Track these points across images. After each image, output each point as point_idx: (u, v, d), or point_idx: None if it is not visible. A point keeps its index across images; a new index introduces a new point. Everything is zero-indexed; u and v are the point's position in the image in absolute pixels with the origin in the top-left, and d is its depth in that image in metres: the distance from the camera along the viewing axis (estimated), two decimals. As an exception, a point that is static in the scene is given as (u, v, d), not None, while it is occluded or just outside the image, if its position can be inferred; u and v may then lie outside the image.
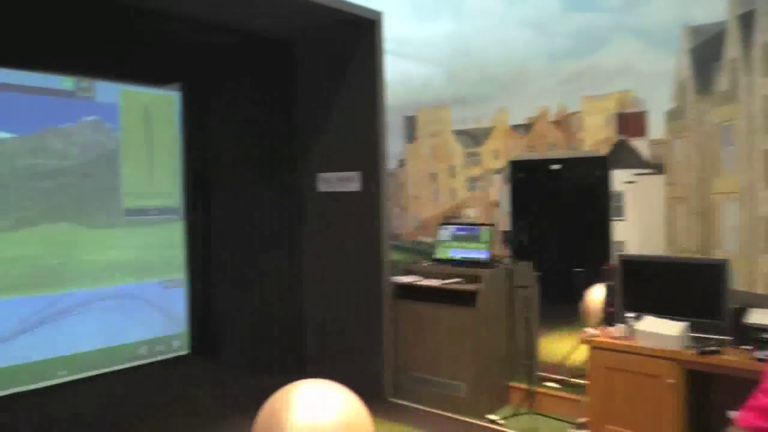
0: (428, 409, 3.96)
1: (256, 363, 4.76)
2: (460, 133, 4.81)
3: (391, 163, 4.59)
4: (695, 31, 3.90)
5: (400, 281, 4.19)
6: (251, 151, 4.93)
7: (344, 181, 4.40)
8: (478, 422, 3.79)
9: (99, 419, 3.97)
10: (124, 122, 4.88)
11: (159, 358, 5.04)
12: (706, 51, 3.85)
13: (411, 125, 4.90)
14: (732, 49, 3.78)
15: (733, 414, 2.95)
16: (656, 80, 4.09)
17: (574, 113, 4.51)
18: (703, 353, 3.09)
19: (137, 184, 4.98)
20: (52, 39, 4.14)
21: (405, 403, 4.07)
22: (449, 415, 3.87)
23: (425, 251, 4.73)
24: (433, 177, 4.83)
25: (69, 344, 4.47)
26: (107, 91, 4.78)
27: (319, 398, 1.02)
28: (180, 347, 5.23)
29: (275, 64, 4.73)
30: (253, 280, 4.87)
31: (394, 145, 4.69)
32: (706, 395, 3.33)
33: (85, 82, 4.63)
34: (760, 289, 3.53)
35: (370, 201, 4.27)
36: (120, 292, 4.81)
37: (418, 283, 4.14)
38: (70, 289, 4.51)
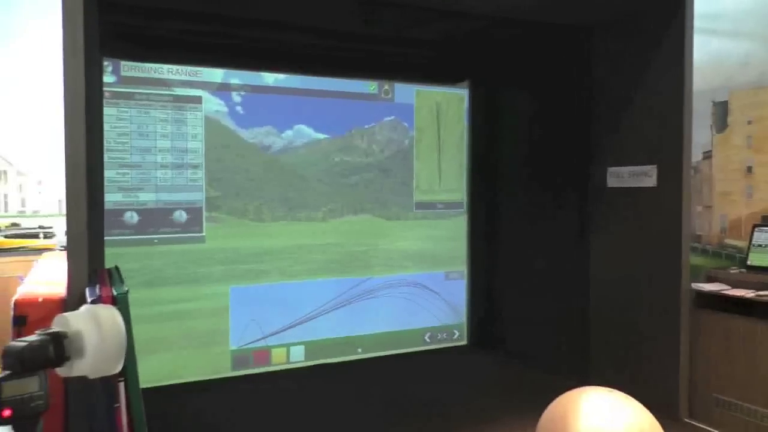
0: (732, 438, 3.50)
1: (535, 360, 4.79)
2: (789, 118, 4.12)
3: (694, 156, 4.17)
4: None
5: (702, 289, 3.79)
6: (538, 146, 4.99)
7: (638, 176, 4.16)
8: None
9: (385, 397, 4.47)
10: (417, 121, 5.42)
11: (440, 345, 5.45)
12: None
13: (722, 111, 4.36)
14: None
15: None
16: None
17: None
18: None
19: (427, 180, 5.48)
20: (358, 46, 4.82)
21: (704, 427, 3.66)
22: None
23: (734, 256, 4.17)
24: (748, 170, 4.24)
25: (366, 325, 5.14)
26: (404, 92, 5.37)
27: (609, 408, 1.02)
28: (459, 337, 5.57)
29: (566, 54, 4.72)
30: (536, 276, 4.92)
31: (699, 134, 4.25)
32: None
33: (387, 85, 5.28)
34: None
35: (668, 198, 3.95)
36: (409, 280, 5.34)
37: (726, 292, 3.68)
38: (369, 276, 5.18)
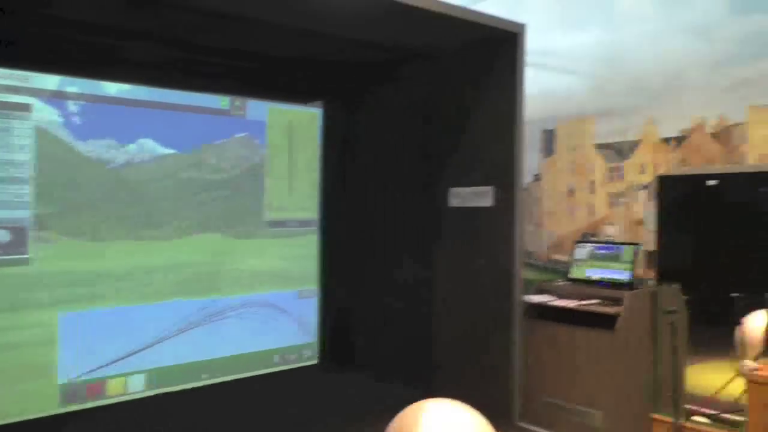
0: (560, 436, 3.91)
1: (385, 375, 4.98)
2: (603, 147, 4.74)
3: (526, 178, 4.63)
4: None
5: (532, 301, 4.21)
6: (387, 167, 5.24)
7: (477, 196, 4.52)
8: (615, 454, 3.67)
9: (231, 424, 4.40)
10: (270, 138, 5.45)
11: (290, 366, 5.46)
12: None
13: (549, 139, 4.91)
14: None
15: None
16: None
17: (736, 124, 4.27)
18: None
19: (279, 197, 5.51)
20: (209, 59, 4.78)
21: (535, 428, 4.04)
22: (583, 444, 3.79)
23: (559, 270, 4.69)
24: (571, 193, 4.79)
25: (212, 349, 5.01)
26: (257, 109, 5.37)
27: (449, 420, 1.12)
28: (311, 357, 5.62)
29: (414, 80, 5.03)
30: (384, 292, 5.13)
31: (530, 159, 4.73)
32: None
33: (239, 101, 5.26)
34: None
35: (503, 217, 4.34)
36: (259, 300, 5.31)
37: (552, 303, 4.12)
38: (217, 297, 5.07)
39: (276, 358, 5.39)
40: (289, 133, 5.57)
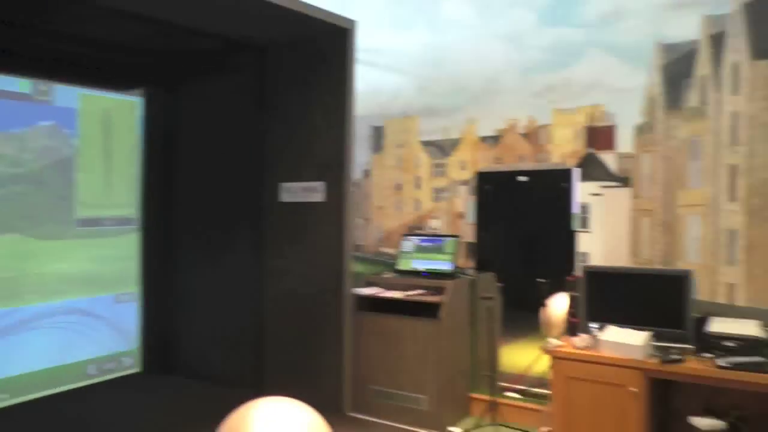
0: (389, 423, 4.05)
1: (214, 379, 4.82)
2: (428, 144, 5.01)
3: (356, 174, 4.75)
4: (667, 48, 4.16)
5: (361, 293, 4.32)
6: (215, 161, 5.06)
7: (308, 192, 4.54)
8: (439, 435, 3.89)
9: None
10: (82, 128, 5.00)
11: (109, 376, 5.07)
12: (677, 68, 4.10)
13: (378, 135, 5.08)
14: (702, 67, 4.04)
15: (693, 419, 3.10)
16: (626, 95, 4.33)
17: (543, 126, 4.73)
18: (667, 362, 3.25)
19: (92, 193, 5.08)
20: (10, 39, 4.27)
21: (365, 417, 4.16)
22: (410, 428, 3.97)
23: (388, 263, 4.87)
24: (398, 188, 5.01)
25: (13, 365, 4.49)
26: (66, 94, 4.91)
27: (279, 418, 1.11)
28: (132, 365, 5.26)
29: (244, 71, 4.90)
30: (212, 293, 4.96)
31: (360, 155, 4.85)
32: (668, 402, 3.48)
33: (43, 85, 4.76)
34: (720, 299, 3.72)
35: (333, 212, 4.40)
36: (69, 307, 4.86)
37: (381, 295, 4.26)
38: (18, 306, 4.54)
39: (91, 369, 4.97)
40: (105, 122, 5.17)
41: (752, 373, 3.03)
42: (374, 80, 5.23)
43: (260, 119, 4.79)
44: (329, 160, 4.45)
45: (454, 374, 4.18)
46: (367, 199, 5.08)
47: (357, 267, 4.64)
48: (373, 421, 4.09)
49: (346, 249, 4.34)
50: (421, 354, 4.06)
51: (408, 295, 4.17)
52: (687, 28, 4.12)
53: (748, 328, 3.31)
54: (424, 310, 4.07)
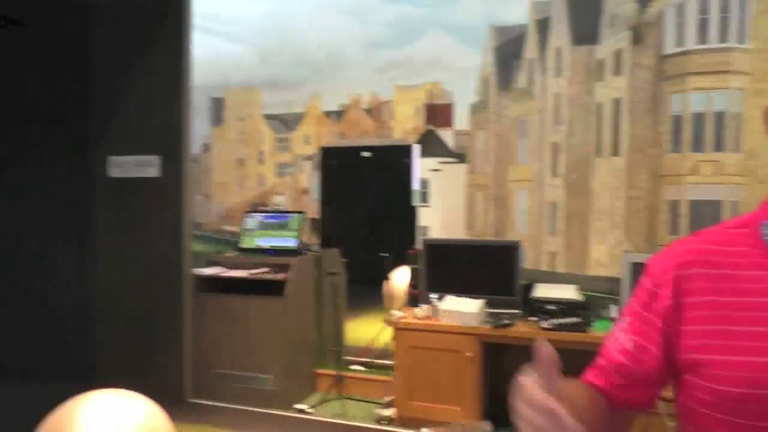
0: (234, 406, 3.98)
1: (35, 376, 4.39)
2: (271, 118, 4.90)
3: (194, 148, 4.53)
4: (500, 30, 4.38)
5: (202, 274, 4.16)
6: (32, 132, 4.55)
7: (141, 166, 4.26)
8: (286, 413, 3.89)
9: None
10: None
11: None
12: (508, 50, 4.35)
13: (218, 107, 4.88)
14: (530, 50, 4.31)
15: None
16: (463, 75, 4.52)
17: (386, 102, 4.82)
18: (498, 327, 3.52)
19: None
20: None
21: (207, 402, 4.04)
22: (256, 409, 3.93)
23: (231, 241, 4.74)
24: (241, 163, 4.86)
25: None
26: None
27: (110, 411, 1.00)
28: (-67, 363, 4.64)
29: (63, 32, 4.43)
30: (33, 277, 4.50)
31: (199, 127, 4.63)
32: (500, 365, 3.78)
33: None
34: (544, 267, 4.10)
35: (170, 188, 4.17)
36: None
37: (223, 274, 4.14)
38: None
39: None
40: None
41: (570, 333, 3.38)
42: (213, 48, 4.99)
43: (85, 86, 4.37)
44: (165, 132, 4.19)
45: (300, 352, 4.20)
46: (208, 175, 4.87)
47: (197, 246, 4.47)
48: (215, 406, 3.99)
49: (185, 227, 4.15)
50: (266, 333, 4.02)
51: (252, 274, 4.09)
52: (517, 12, 4.38)
53: (567, 292, 3.68)
54: (269, 289, 4.02)
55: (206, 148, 4.81)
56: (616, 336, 0.99)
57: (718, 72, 3.73)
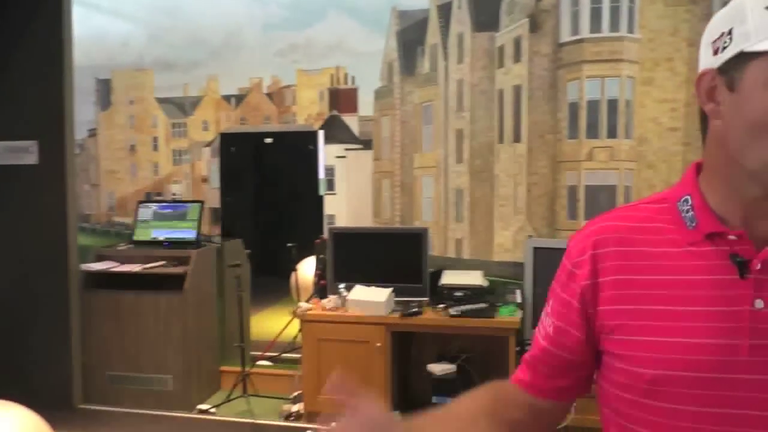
0: (130, 410, 3.74)
1: None
2: (165, 102, 4.61)
3: (79, 133, 4.18)
4: (402, 14, 4.33)
5: (91, 269, 3.87)
6: None
7: (16, 152, 3.88)
8: (187, 414, 3.72)
9: None
10: None
11: None
12: (411, 35, 4.31)
13: (106, 89, 4.52)
14: (433, 35, 4.29)
15: (430, 366, 3.40)
16: (367, 59, 4.44)
17: (288, 86, 4.66)
18: (407, 315, 3.49)
19: None
20: None
21: (100, 408, 3.78)
22: (155, 412, 3.71)
23: (123, 233, 4.44)
24: (132, 150, 4.55)
25: None
26: None
27: None
28: None
29: None
30: None
31: (83, 111, 4.28)
32: (409, 353, 3.78)
33: None
34: (451, 254, 4.12)
35: (51, 176, 3.84)
36: None
37: (115, 269, 3.88)
38: None
39: None
40: None
41: (476, 319, 3.41)
42: (97, 25, 4.62)
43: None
44: (43, 115, 3.84)
45: (201, 349, 4.01)
46: (95, 162, 4.52)
47: (85, 240, 4.15)
48: (109, 411, 3.74)
49: (70, 219, 3.84)
50: (164, 331, 3.80)
51: (147, 268, 3.85)
52: (419, -6, 4.34)
53: (473, 278, 3.72)
54: (167, 283, 3.81)
55: (92, 133, 4.45)
56: (541, 321, 0.96)
57: (611, 60, 3.88)
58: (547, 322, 0.94)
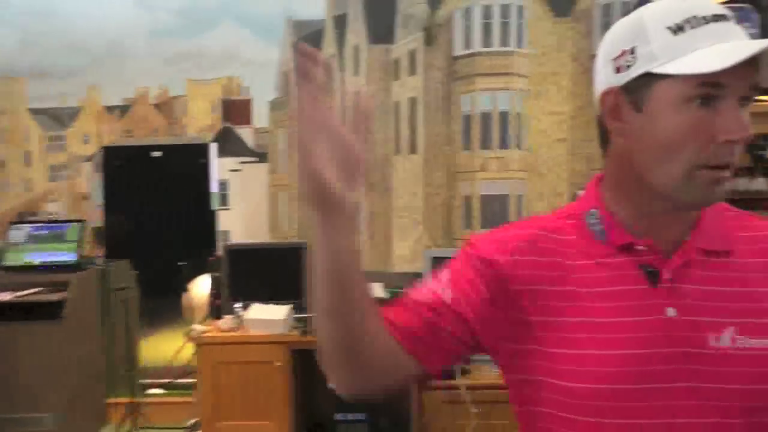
0: (2, 455, 3.39)
1: None
2: (39, 113, 4.26)
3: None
4: (298, 24, 4.25)
5: (-46, 299, 3.48)
6: None
7: None
8: (70, 455, 3.41)
9: None
10: None
11: None
12: (307, 45, 4.23)
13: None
14: (329, 46, 4.24)
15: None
16: (261, 69, 4.32)
17: (177, 97, 4.45)
18: (306, 333, 3.39)
19: None
20: None
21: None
22: (31, 455, 3.38)
23: (-9, 258, 4.04)
24: (2, 165, 4.17)
25: None
26: None
27: None
28: None
29: None
30: None
31: (-58, 124, 3.86)
32: (312, 371, 3.68)
33: None
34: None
35: None
36: None
37: (-18, 298, 3.51)
38: None
39: None
40: None
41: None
42: (-42, 29, 4.20)
43: None
44: None
45: (85, 381, 3.70)
46: (-44, 180, 4.10)
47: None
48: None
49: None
50: (40, 365, 3.47)
51: (19, 296, 3.51)
52: (315, 6, 4.29)
53: (374, 290, 3.68)
54: (43, 312, 3.48)
55: (-47, 147, 4.03)
56: (431, 287, 0.85)
57: (502, 74, 3.99)
58: (443, 291, 0.83)
